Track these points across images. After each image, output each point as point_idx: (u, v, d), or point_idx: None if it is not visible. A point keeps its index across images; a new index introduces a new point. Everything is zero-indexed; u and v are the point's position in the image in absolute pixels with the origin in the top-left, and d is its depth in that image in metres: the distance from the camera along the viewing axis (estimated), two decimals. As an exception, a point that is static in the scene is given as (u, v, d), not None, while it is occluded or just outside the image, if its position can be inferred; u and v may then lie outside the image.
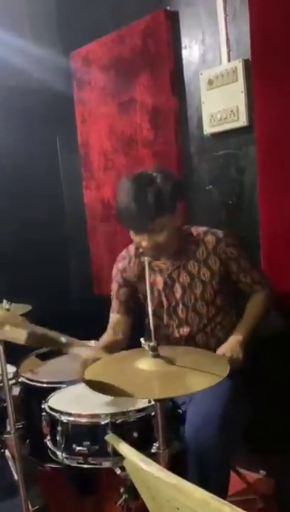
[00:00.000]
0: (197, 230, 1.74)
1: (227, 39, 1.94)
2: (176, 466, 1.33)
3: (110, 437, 1.14)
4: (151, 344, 1.25)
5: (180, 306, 1.70)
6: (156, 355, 1.25)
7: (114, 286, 1.80)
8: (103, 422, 1.37)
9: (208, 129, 2.02)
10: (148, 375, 1.22)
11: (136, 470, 0.77)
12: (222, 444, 1.39)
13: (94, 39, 2.41)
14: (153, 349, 1.25)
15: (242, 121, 1.89)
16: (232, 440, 1.44)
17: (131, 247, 1.79)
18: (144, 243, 1.60)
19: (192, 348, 1.59)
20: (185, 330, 1.69)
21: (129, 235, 1.66)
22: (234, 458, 1.69)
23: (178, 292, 1.70)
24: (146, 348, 1.26)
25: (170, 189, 1.55)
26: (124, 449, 0.80)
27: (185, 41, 2.10)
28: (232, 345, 1.55)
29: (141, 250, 1.71)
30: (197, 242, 1.70)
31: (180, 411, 1.49)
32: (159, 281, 1.72)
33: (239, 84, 1.88)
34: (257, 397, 1.63)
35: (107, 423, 1.36)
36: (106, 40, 2.35)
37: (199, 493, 0.63)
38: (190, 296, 1.69)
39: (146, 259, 1.34)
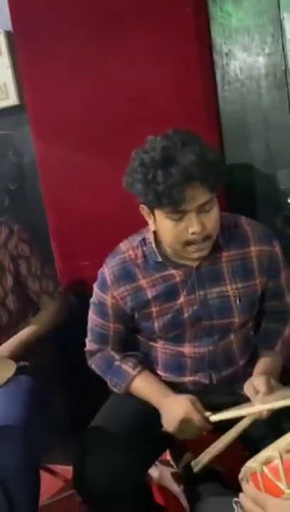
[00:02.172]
0: None
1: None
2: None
3: None
4: None
5: None
6: None
7: None
8: None
9: (-24, 108, 1.87)
10: None
11: None
12: (23, 447, 1.30)
13: None
14: None
15: (12, 99, 1.81)
16: (36, 441, 1.36)
17: None
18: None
19: None
20: None
21: None
22: (44, 458, 1.67)
23: None
24: None
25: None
26: None
27: None
28: None
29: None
30: None
31: None
32: None
33: (4, 58, 1.78)
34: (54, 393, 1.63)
35: None
36: None
37: None
38: None
39: None
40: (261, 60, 1.52)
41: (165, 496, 1.54)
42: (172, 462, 1.55)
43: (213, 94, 1.57)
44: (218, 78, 1.56)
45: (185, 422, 1.20)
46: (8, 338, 1.57)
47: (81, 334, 1.51)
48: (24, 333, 1.58)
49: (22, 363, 1.48)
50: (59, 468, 1.81)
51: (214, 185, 1.18)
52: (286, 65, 1.49)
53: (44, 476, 1.60)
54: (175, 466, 1.54)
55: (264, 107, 1.54)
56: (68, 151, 1.70)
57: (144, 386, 1.33)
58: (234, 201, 1.53)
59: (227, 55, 1.55)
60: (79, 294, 1.76)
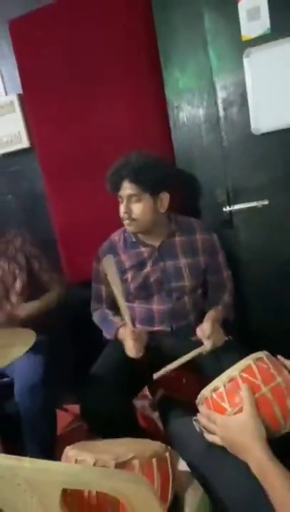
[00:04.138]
0: (10, 232, 1.58)
1: (1, 76, 1.79)
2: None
3: None
4: None
5: None
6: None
7: None
8: None
9: (-1, 150, 1.86)
10: None
11: None
12: (44, 397, 1.32)
13: None
14: None
15: (24, 143, 1.79)
16: (51, 391, 1.37)
17: None
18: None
19: (2, 330, 1.44)
20: None
21: None
22: (59, 399, 1.67)
23: None
24: None
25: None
26: None
27: None
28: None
29: None
30: (6, 241, 1.55)
31: (7, 380, 1.39)
32: None
33: (18, 114, 1.75)
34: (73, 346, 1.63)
35: None
36: None
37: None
38: (2, 288, 1.52)
39: None
40: (201, 111, 1.54)
41: (145, 420, 1.55)
42: (149, 396, 1.56)
43: (168, 135, 1.58)
44: (171, 124, 1.58)
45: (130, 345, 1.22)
46: None
47: (80, 310, 1.53)
48: (36, 301, 1.52)
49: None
50: (69, 406, 1.81)
51: (140, 184, 1.27)
52: (218, 115, 1.52)
53: (59, 413, 1.60)
54: (151, 398, 1.55)
55: (204, 145, 1.57)
56: (67, 178, 1.70)
57: (123, 330, 1.34)
58: (186, 209, 1.55)
59: (176, 108, 1.57)
60: (79, 283, 1.75)
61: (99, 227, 1.65)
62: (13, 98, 1.75)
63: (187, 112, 1.56)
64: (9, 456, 0.53)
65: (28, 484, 0.55)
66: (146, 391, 1.56)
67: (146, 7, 1.47)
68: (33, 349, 1.16)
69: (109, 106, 1.56)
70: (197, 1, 1.43)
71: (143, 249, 1.39)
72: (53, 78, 1.60)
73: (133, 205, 1.30)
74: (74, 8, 1.52)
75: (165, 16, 1.48)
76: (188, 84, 1.53)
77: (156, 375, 1.18)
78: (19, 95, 1.74)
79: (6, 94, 1.79)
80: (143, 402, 1.57)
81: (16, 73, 1.68)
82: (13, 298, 1.53)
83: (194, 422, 0.88)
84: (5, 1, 1.68)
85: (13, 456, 0.53)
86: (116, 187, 1.30)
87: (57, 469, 0.53)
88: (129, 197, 1.29)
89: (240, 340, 1.31)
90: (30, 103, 1.70)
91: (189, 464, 0.88)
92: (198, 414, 0.86)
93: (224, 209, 1.57)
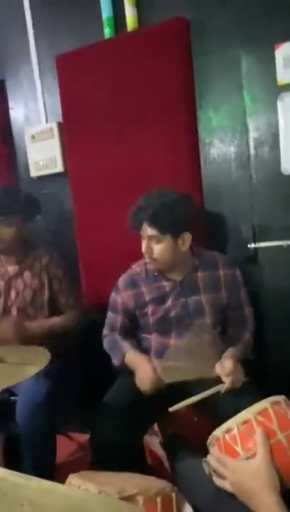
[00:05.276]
0: (40, 249, 1.63)
1: (44, 105, 1.93)
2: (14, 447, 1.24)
3: None
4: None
5: (14, 307, 1.57)
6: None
7: None
8: None
9: (34, 173, 1.96)
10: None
11: None
12: (44, 419, 1.32)
13: None
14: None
15: (59, 167, 1.88)
16: (53, 414, 1.37)
17: None
18: None
19: (21, 346, 1.47)
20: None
21: None
22: (64, 426, 1.65)
23: (13, 295, 1.58)
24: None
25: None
26: None
27: (11, 104, 2.01)
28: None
29: None
30: (35, 257, 1.60)
31: (15, 399, 1.39)
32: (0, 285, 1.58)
33: (56, 140, 1.87)
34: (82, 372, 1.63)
35: None
36: None
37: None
38: (21, 300, 1.56)
39: None
40: (232, 149, 1.59)
41: (152, 457, 1.51)
42: (158, 433, 1.53)
43: (198, 170, 1.63)
44: (202, 160, 1.63)
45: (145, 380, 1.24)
46: None
47: (96, 335, 1.53)
48: (50, 321, 1.56)
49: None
50: (74, 435, 1.77)
51: (160, 227, 1.28)
52: (249, 154, 1.56)
53: (63, 440, 1.59)
54: (161, 436, 1.52)
55: (233, 181, 1.60)
56: (95, 205, 1.77)
57: (131, 356, 1.34)
58: (211, 243, 1.56)
59: (208, 144, 1.62)
60: (98, 306, 1.76)
61: (122, 256, 1.67)
62: (53, 125, 1.87)
63: (218, 148, 1.61)
64: (17, 473, 0.54)
65: (31, 506, 0.55)
66: (155, 427, 1.53)
67: (187, 50, 1.57)
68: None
69: (143, 139, 1.63)
70: (234, 47, 1.52)
71: (165, 283, 1.38)
72: (92, 110, 1.71)
73: (154, 246, 1.31)
74: (118, 49, 1.64)
75: (203, 59, 1.57)
76: (221, 123, 1.59)
77: (171, 409, 1.16)
78: (59, 123, 1.86)
79: (47, 121, 1.92)
80: (151, 438, 1.53)
81: (58, 103, 1.81)
82: (30, 312, 1.57)
83: (203, 464, 0.85)
84: (55, 37, 1.84)
85: (21, 474, 0.54)
86: (138, 226, 1.32)
87: (62, 492, 0.53)
88: (150, 238, 1.31)
89: (257, 381, 1.28)
90: (68, 131, 1.81)
91: (195, 508, 0.86)
92: (208, 456, 0.84)
93: (249, 245, 1.59)
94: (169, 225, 1.28)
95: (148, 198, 1.31)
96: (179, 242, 1.32)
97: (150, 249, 1.31)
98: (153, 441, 1.52)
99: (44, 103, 1.92)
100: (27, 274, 1.58)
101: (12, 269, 1.59)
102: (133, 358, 1.34)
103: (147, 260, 1.34)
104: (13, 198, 1.52)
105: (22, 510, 0.55)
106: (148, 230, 1.30)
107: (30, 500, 0.55)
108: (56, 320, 1.57)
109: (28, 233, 1.62)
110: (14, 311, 1.57)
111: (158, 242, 1.30)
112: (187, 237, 1.33)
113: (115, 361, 1.39)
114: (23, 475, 0.54)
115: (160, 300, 1.37)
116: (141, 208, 1.30)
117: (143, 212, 1.29)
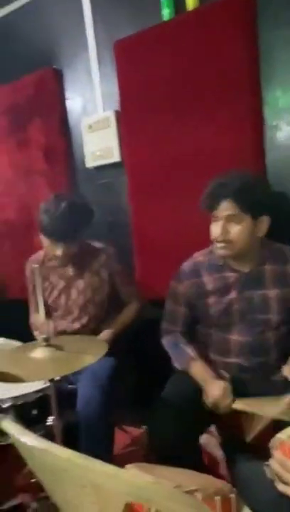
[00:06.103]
0: (94, 245, 1.66)
1: (102, 94, 1.95)
2: (71, 434, 1.27)
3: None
4: (43, 336, 1.18)
5: (75, 306, 1.63)
6: (48, 345, 1.18)
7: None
8: (5, 406, 1.25)
9: (90, 163, 1.98)
10: (40, 361, 1.14)
11: (22, 448, 0.69)
12: (105, 410, 1.33)
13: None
14: (46, 340, 1.18)
15: (116, 157, 1.89)
16: (113, 406, 1.38)
17: None
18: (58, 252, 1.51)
19: (78, 336, 1.52)
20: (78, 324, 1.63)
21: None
22: (120, 420, 1.67)
23: (74, 294, 1.63)
24: (39, 339, 1.18)
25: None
26: (10, 429, 0.70)
27: (68, 94, 2.05)
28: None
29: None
30: (92, 256, 1.63)
31: (74, 387, 1.43)
32: (60, 283, 1.64)
33: (112, 129, 1.87)
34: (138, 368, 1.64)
35: (9, 406, 1.25)
36: (4, 89, 2.21)
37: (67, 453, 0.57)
38: (82, 299, 1.62)
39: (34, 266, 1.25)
40: None
41: (209, 458, 1.48)
42: (216, 434, 1.48)
43: (262, 156, 1.55)
44: (267, 145, 1.54)
45: (216, 400, 1.20)
46: (103, 324, 1.62)
47: (151, 328, 1.51)
48: (117, 323, 1.62)
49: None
50: (129, 428, 1.80)
51: (242, 204, 1.21)
52: None
53: (117, 433, 1.60)
54: (219, 437, 1.47)
55: None
56: (151, 195, 1.76)
57: (197, 367, 1.31)
58: (278, 235, 1.49)
59: (274, 127, 1.54)
60: (151, 300, 1.77)
61: (177, 247, 1.66)
62: (110, 114, 1.87)
63: (286, 132, 1.52)
64: (82, 455, 0.53)
65: (94, 489, 0.54)
66: (212, 427, 1.49)
67: (252, 26, 1.49)
68: (100, 361, 1.18)
69: (204, 126, 1.58)
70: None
71: (229, 273, 1.32)
72: (151, 98, 1.69)
73: (232, 227, 1.24)
74: (178, 30, 1.60)
75: (271, 36, 1.48)
76: (289, 104, 1.50)
77: (249, 439, 1.14)
78: (116, 112, 1.86)
79: (104, 110, 1.93)
80: (209, 439, 1.49)
81: (115, 91, 1.81)
82: (91, 310, 1.61)
83: (265, 468, 0.81)
84: (112, 23, 1.84)
85: (86, 456, 0.54)
86: (214, 206, 1.25)
87: (126, 478, 0.52)
88: (228, 218, 1.23)
89: None
90: (125, 120, 1.80)
91: (254, 513, 0.81)
92: (271, 460, 0.79)
93: None
94: (252, 203, 1.22)
95: (228, 176, 1.26)
96: (257, 225, 1.25)
97: (226, 231, 1.24)
98: (210, 442, 1.48)
99: (101, 91, 1.94)
100: (87, 274, 1.62)
101: (72, 269, 1.64)
102: (203, 373, 1.29)
103: (220, 245, 1.27)
104: (71, 225, 1.49)
105: (84, 492, 0.55)
106: (228, 209, 1.22)
107: (93, 483, 0.53)
108: (123, 316, 1.64)
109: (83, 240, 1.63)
110: (76, 310, 1.63)
111: (238, 222, 1.23)
112: (265, 221, 1.26)
113: (177, 365, 1.36)
114: (88, 457, 0.53)
115: (223, 291, 1.31)
116: (222, 184, 1.23)
117: (224, 188, 1.22)
